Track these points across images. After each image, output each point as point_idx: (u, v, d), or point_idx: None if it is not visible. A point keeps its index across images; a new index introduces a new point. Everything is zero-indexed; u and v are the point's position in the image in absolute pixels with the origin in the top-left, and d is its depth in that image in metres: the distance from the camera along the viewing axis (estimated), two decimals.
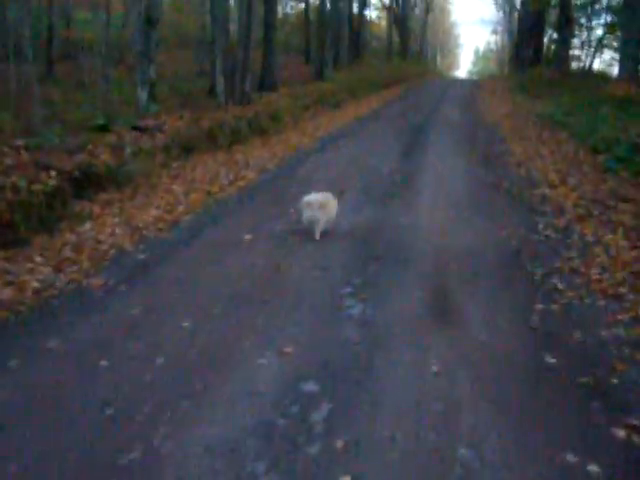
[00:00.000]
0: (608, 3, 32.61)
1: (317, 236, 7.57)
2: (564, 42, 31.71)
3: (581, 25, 39.24)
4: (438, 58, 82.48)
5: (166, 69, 25.50)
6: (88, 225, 8.14)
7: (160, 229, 8.07)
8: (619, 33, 37.13)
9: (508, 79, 37.28)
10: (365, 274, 6.34)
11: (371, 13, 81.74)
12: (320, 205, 7.49)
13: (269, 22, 24.66)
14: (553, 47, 46.33)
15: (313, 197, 7.59)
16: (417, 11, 61.33)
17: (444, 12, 78.99)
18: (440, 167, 12.17)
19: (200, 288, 6.00)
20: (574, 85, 25.45)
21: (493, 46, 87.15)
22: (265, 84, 24.20)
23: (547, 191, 9.96)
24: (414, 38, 59.42)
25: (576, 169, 11.19)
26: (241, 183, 10.85)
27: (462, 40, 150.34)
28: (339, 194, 8.62)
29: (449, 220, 8.39)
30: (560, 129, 15.79)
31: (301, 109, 22.11)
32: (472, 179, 11.16)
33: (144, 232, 7.89)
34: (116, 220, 8.37)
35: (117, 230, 7.94)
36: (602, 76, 31.31)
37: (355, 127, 18.85)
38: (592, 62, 34.48)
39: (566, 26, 31.68)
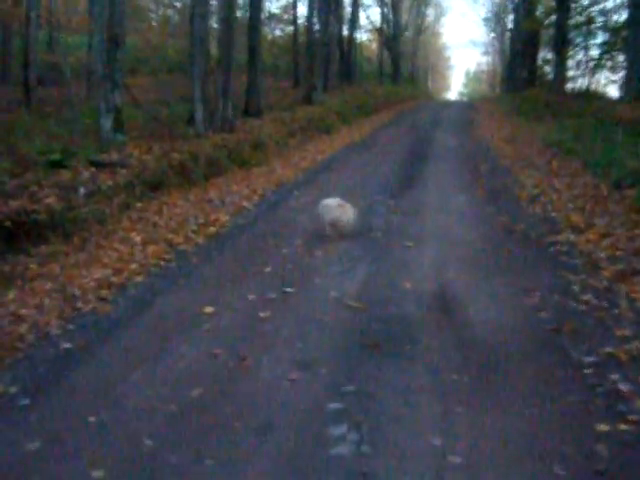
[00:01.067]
0: (605, 22, 31.16)
1: (337, 238, 8.19)
2: (561, 63, 30.27)
3: (576, 45, 37.87)
4: (429, 80, 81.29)
5: (149, 94, 23.96)
6: (12, 294, 6.43)
7: (102, 298, 6.37)
8: (617, 52, 35.87)
9: (502, 101, 35.86)
10: (359, 377, 4.63)
11: (361, 35, 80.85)
12: (338, 205, 8.26)
13: (253, 44, 23.11)
14: (547, 68, 45.20)
15: (330, 200, 8.46)
16: (408, 33, 60.06)
17: (435, 34, 77.88)
18: (442, 206, 10.55)
19: (126, 409, 4.26)
20: (575, 107, 23.91)
21: (484, 67, 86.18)
22: (250, 110, 22.62)
23: (572, 237, 8.33)
24: (405, 60, 58.15)
25: (601, 208, 9.55)
26: (212, 229, 9.19)
27: (453, 62, 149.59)
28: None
29: (461, 284, 6.71)
30: (571, 157, 14.19)
31: (287, 136, 20.56)
32: (481, 221, 9.53)
33: (80, 304, 6.19)
34: (49, 285, 6.65)
35: (47, 301, 6.23)
36: (601, 97, 29.86)
37: (345, 156, 17.23)
38: (589, 83, 33.00)
39: (562, 46, 30.30)
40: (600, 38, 38.01)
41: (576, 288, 6.47)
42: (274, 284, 6.66)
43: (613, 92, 37.99)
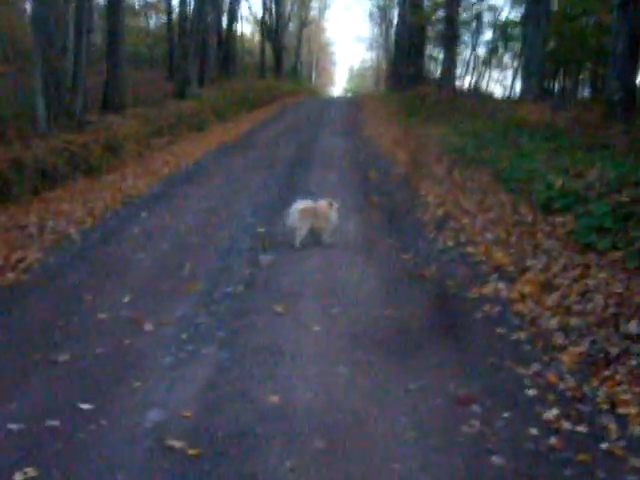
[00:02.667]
0: (495, 19, 29.79)
1: (297, 244, 7.32)
2: (450, 60, 28.60)
3: (462, 43, 36.63)
4: (314, 75, 79.19)
5: None
6: None
7: None
8: (504, 52, 34.76)
9: (388, 98, 33.89)
10: None
11: (242, 27, 77.90)
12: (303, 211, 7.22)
13: (114, 29, 19.98)
14: (432, 65, 43.90)
15: (300, 204, 7.37)
16: (291, 26, 57.65)
17: (319, 28, 75.82)
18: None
19: None
20: (469, 107, 22.16)
21: (369, 63, 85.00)
22: (109, 105, 19.48)
23: (503, 289, 6.09)
24: (289, 54, 55.72)
25: (530, 241, 7.36)
26: (10, 276, 6.36)
27: (337, 57, 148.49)
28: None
29: (347, 386, 4.25)
30: (475, 167, 12.08)
31: (152, 135, 17.64)
32: (378, 261, 7.11)
33: None
34: None
35: None
36: (491, 97, 28.46)
37: (215, 161, 14.56)
38: (477, 82, 31.60)
39: (452, 42, 28.66)
40: (488, 36, 36.98)
41: (531, 393, 4.15)
42: (64, 395, 4.02)
43: (498, 91, 36.96)
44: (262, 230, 8.14)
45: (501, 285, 6.21)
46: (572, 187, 8.40)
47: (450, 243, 7.71)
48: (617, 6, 13.84)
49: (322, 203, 7.38)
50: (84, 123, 15.27)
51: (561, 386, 4.28)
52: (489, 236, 7.79)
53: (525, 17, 19.95)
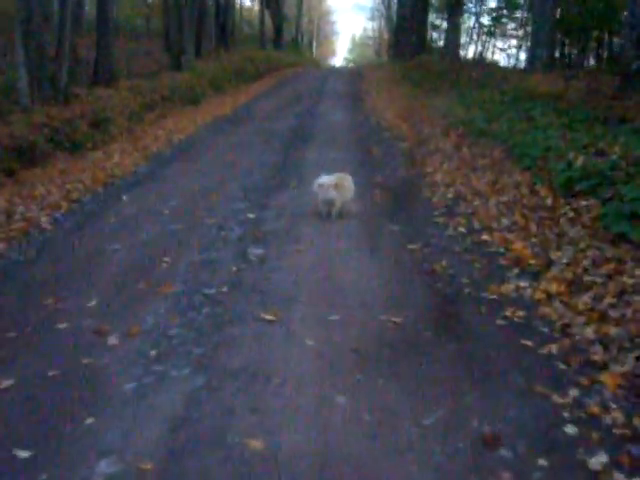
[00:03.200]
0: None
1: (333, 216, 7.24)
2: (454, 28, 27.50)
3: (466, 12, 35.43)
4: (314, 46, 77.65)
5: None
6: None
7: None
8: (509, 21, 33.58)
9: (391, 68, 32.77)
10: None
11: None
12: (335, 186, 7.08)
13: None
14: (435, 34, 42.66)
15: (326, 179, 7.14)
16: None
17: None
18: (326, 224, 7.18)
19: None
20: (473, 77, 21.17)
21: (370, 33, 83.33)
22: (100, 77, 18.50)
23: (526, 288, 5.27)
24: (289, 25, 54.34)
25: (552, 229, 6.51)
26: None
27: (339, 27, 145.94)
28: None
29: (347, 424, 3.47)
30: (485, 142, 11.19)
31: (144, 109, 16.76)
32: (383, 253, 6.28)
33: None
34: None
35: None
36: (497, 66, 27.37)
37: (209, 135, 13.68)
38: (482, 51, 30.46)
39: (456, 11, 27.55)
40: (492, 4, 35.74)
41: (570, 431, 3.38)
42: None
43: (502, 61, 35.79)
44: (253, 216, 7.30)
45: (523, 283, 5.39)
46: (595, 166, 7.51)
47: (462, 230, 6.88)
48: None
49: (343, 176, 7.45)
50: (70, 96, 14.36)
51: (606, 420, 3.47)
52: (505, 222, 6.95)
53: None
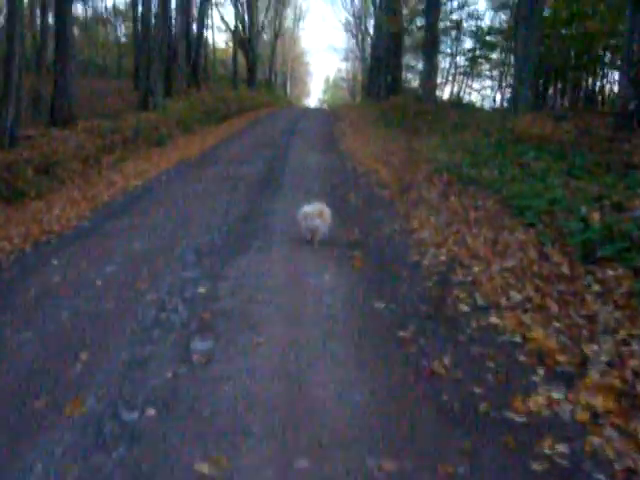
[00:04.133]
0: (477, 27, 27.65)
1: (315, 245, 7.40)
2: (431, 68, 26.43)
3: (442, 52, 34.54)
4: (288, 86, 76.86)
5: None
6: None
7: None
8: (482, 61, 32.76)
9: (365, 109, 31.65)
10: None
11: (215, 37, 75.42)
12: (319, 214, 7.37)
13: (62, 32, 17.56)
14: (409, 75, 41.88)
15: (310, 208, 7.46)
16: (265, 36, 55.40)
17: (294, 38, 73.53)
18: (293, 303, 5.70)
19: None
20: (453, 118, 20.02)
21: (344, 74, 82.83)
22: (57, 117, 17.07)
23: (560, 399, 3.85)
24: (262, 64, 53.42)
25: (576, 307, 5.09)
26: None
27: (312, 68, 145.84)
28: None
29: None
30: (477, 190, 9.86)
31: (103, 151, 15.28)
32: (363, 348, 4.84)
33: None
34: None
35: None
36: (474, 107, 26.35)
37: (169, 182, 12.24)
38: (459, 92, 29.45)
39: (432, 50, 26.53)
40: (468, 44, 35.00)
41: None
42: None
43: (478, 102, 34.93)
44: (204, 290, 5.81)
45: (556, 393, 3.96)
46: (618, 225, 6.16)
47: (463, 308, 5.47)
48: (632, 3, 11.77)
49: (322, 206, 7.55)
50: (17, 138, 12.87)
51: None
52: (516, 297, 5.55)
53: (517, 19, 17.76)
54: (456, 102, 27.81)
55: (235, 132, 22.87)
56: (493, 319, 5.16)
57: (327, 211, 7.51)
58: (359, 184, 11.90)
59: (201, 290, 5.79)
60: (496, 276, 6.13)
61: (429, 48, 26.33)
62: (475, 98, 38.09)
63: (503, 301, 5.50)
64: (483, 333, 4.93)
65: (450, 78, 33.57)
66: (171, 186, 11.68)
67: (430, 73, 26.46)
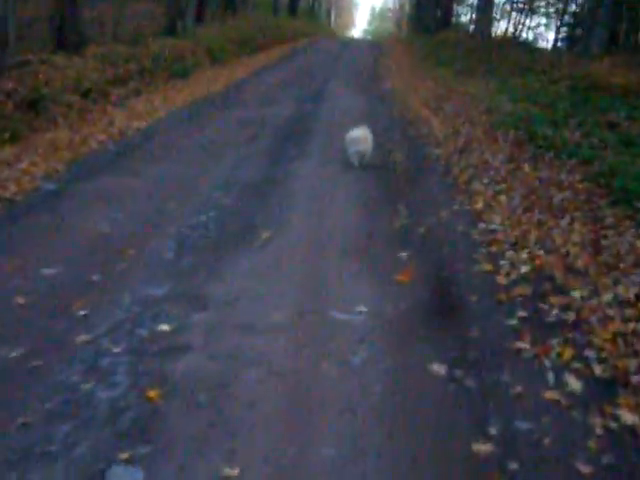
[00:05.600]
0: None
1: (357, 164, 7.59)
2: (487, 1, 23.48)
3: None
4: (333, 16, 73.03)
5: None
6: None
7: None
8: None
9: (413, 43, 28.74)
10: None
11: None
12: (365, 139, 7.60)
13: None
14: (459, 9, 38.49)
15: (357, 133, 7.61)
16: None
17: None
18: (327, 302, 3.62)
19: None
20: (512, 58, 17.35)
21: (391, 5, 78.53)
22: (65, 42, 14.84)
23: None
24: None
25: None
26: None
27: None
28: None
29: None
30: (557, 157, 7.56)
31: (112, 83, 13.12)
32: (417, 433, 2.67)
33: None
34: None
35: None
36: (534, 47, 23.44)
37: (178, 125, 10.17)
38: (515, 29, 26.36)
39: None
40: None
41: None
42: None
43: (543, 42, 31.66)
44: (167, 329, 3.72)
45: None
46: None
47: (572, 386, 3.31)
48: None
49: (365, 131, 7.71)
50: (6, 66, 10.76)
51: None
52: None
53: None
54: (512, 40, 24.83)
55: (269, 64, 20.45)
56: (627, 417, 3.02)
57: (370, 137, 7.74)
58: (406, 137, 9.67)
59: (163, 328, 3.71)
60: (613, 313, 3.96)
61: None
62: (530, 37, 34.74)
63: (633, 364, 3.36)
64: (623, 450, 2.80)
65: (507, 13, 30.40)
66: (178, 132, 9.56)
67: (486, 7, 23.56)
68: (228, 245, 4.98)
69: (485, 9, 23.39)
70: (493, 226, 5.72)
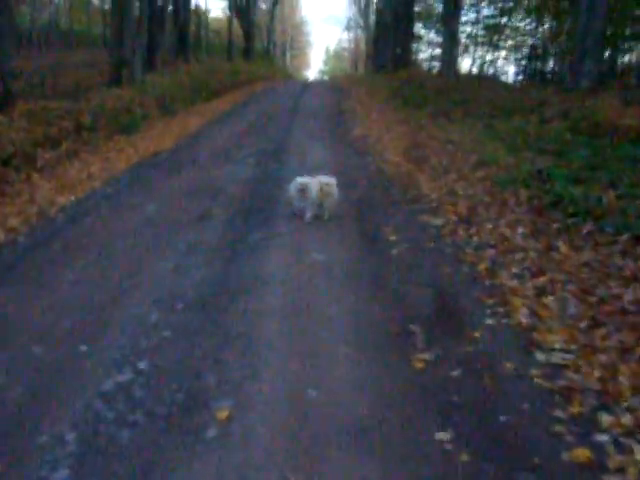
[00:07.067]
0: None
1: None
2: (451, 37, 22.11)
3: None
4: (288, 57, 71.85)
5: None
6: None
7: None
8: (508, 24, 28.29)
9: (373, 83, 27.07)
10: None
11: (208, 4, 70.66)
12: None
13: None
14: (414, 47, 37.33)
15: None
16: (263, 4, 50.57)
17: (293, 7, 68.41)
18: None
19: None
20: (487, 97, 15.75)
21: (346, 44, 77.76)
22: None
23: None
24: (260, 35, 48.66)
25: None
26: None
27: (312, 38, 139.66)
28: None
29: None
30: (592, 228, 5.75)
31: (43, 144, 11.15)
32: None
33: None
34: None
35: None
36: (507, 84, 22.02)
37: (105, 204, 8.09)
38: (482, 64, 24.98)
39: (453, 17, 22.20)
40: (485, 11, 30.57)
41: None
42: None
43: (506, 76, 30.51)
44: None
45: None
46: None
47: None
48: None
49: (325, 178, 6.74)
50: None
51: None
52: None
53: None
54: (478, 76, 23.41)
55: (225, 112, 18.59)
56: None
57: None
58: (392, 202, 7.78)
59: None
60: None
61: (449, 15, 22.01)
62: (490, 71, 33.66)
63: None
64: None
65: (472, 49, 29.18)
66: (111, 210, 7.54)
67: (450, 43, 22.15)
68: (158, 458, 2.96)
69: (451, 46, 21.97)
70: (557, 357, 3.82)
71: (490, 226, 6.44)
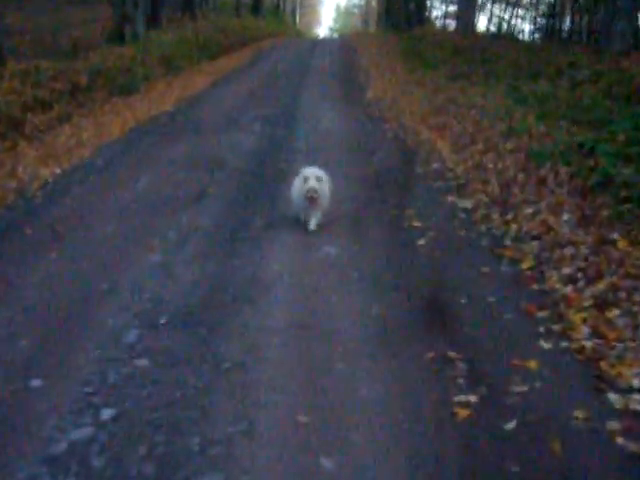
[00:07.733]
0: None
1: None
2: None
3: None
4: (298, 15, 69.68)
5: None
6: None
7: None
8: None
9: (386, 41, 25.66)
10: None
11: None
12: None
13: None
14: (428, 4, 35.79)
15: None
16: None
17: None
18: None
19: None
20: (509, 58, 14.59)
21: (357, 1, 75.44)
22: None
23: None
24: None
25: None
26: None
27: None
28: None
29: None
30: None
31: (35, 108, 10.19)
32: None
33: None
34: None
35: None
36: (530, 43, 20.75)
37: (109, 166, 7.24)
38: (499, 23, 23.61)
39: None
40: None
41: None
42: None
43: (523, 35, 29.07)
44: None
45: None
46: None
47: None
48: None
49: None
50: None
51: None
52: None
53: None
54: (496, 35, 22.10)
55: (232, 71, 17.46)
56: None
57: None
58: (414, 178, 6.80)
59: None
60: None
61: None
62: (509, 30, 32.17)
63: None
64: None
65: (488, 7, 27.73)
66: (98, 185, 6.62)
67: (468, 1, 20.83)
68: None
69: (467, 2, 20.64)
70: (636, 401, 2.92)
71: (529, 211, 5.48)
